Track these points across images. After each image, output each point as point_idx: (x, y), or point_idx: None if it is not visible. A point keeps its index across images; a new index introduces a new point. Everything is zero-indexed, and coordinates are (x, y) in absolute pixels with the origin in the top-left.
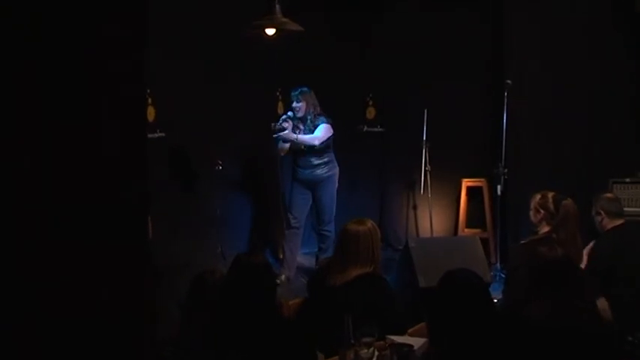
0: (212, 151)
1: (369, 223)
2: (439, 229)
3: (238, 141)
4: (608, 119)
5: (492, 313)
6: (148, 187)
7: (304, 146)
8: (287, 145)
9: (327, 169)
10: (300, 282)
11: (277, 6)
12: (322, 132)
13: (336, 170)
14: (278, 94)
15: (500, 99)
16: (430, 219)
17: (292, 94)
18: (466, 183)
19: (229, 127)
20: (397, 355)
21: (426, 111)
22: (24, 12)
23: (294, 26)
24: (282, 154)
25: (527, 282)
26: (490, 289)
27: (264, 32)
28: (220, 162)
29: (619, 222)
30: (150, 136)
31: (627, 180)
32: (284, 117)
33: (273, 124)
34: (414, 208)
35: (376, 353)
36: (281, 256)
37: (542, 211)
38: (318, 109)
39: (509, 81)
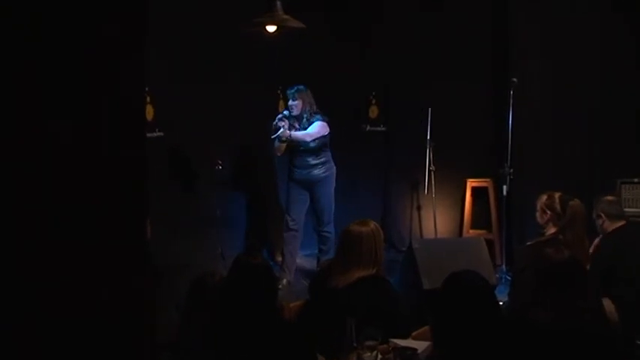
0: (212, 150)
1: (372, 224)
2: (443, 230)
3: (238, 140)
4: (616, 118)
5: (498, 316)
6: (147, 187)
7: (301, 146)
8: (283, 144)
9: (324, 169)
10: (302, 284)
11: (278, 3)
12: (315, 128)
13: (334, 170)
14: (278, 92)
15: (505, 97)
16: (434, 220)
17: (288, 92)
18: (471, 183)
19: (229, 127)
20: (401, 358)
21: (430, 110)
22: (24, 12)
23: (296, 23)
24: (279, 154)
25: (533, 284)
26: (495, 292)
27: (265, 29)
28: (220, 162)
29: (620, 224)
30: (149, 135)
31: (635, 180)
32: (280, 116)
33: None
34: (418, 208)
35: (379, 357)
36: (280, 259)
37: (548, 212)
38: (314, 107)
39: (514, 79)
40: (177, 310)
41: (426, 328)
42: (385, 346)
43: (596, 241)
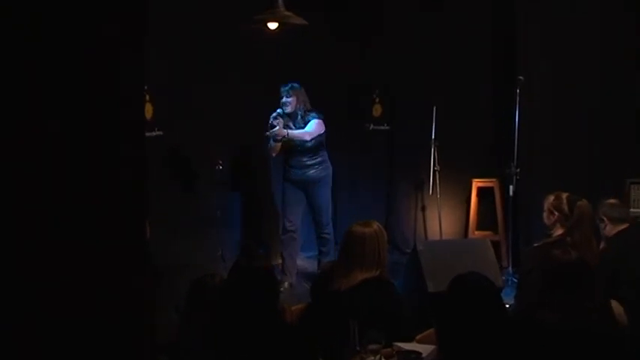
0: (212, 150)
1: (375, 225)
2: (448, 231)
3: (237, 140)
4: (625, 117)
5: (504, 318)
6: (146, 187)
7: (297, 145)
8: (278, 144)
9: (320, 170)
10: (303, 287)
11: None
12: (314, 127)
13: (330, 170)
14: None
15: (511, 96)
16: (439, 221)
17: (282, 89)
18: (477, 183)
19: (228, 126)
20: None
21: (434, 108)
22: (24, 12)
23: (298, 20)
24: (274, 154)
25: (540, 285)
26: (502, 294)
27: (266, 26)
28: (221, 162)
29: (623, 227)
30: (147, 134)
31: None
32: (274, 114)
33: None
34: (423, 209)
35: None
36: (279, 261)
37: (556, 213)
38: (308, 105)
39: (521, 77)
40: (177, 311)
41: (431, 331)
42: (389, 349)
43: (602, 246)
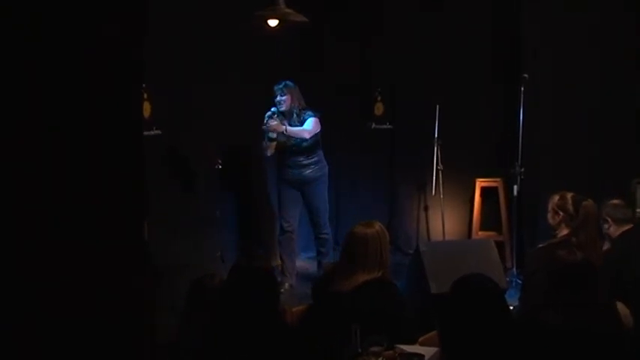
0: (211, 149)
1: (378, 226)
2: (452, 231)
3: (236, 139)
4: (630, 117)
5: (508, 320)
6: (145, 186)
7: (293, 145)
8: (273, 143)
9: (317, 169)
10: (304, 288)
11: None
12: (312, 125)
13: (326, 170)
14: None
15: (516, 94)
16: (442, 221)
17: (275, 87)
18: (480, 183)
19: (227, 125)
20: None
21: (437, 107)
22: (24, 12)
23: (298, 17)
24: (269, 154)
25: (545, 286)
26: (506, 296)
27: (267, 24)
28: (220, 161)
29: (626, 227)
30: (146, 133)
31: None
32: (269, 113)
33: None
34: (425, 209)
35: None
36: (278, 263)
37: (560, 213)
38: (303, 103)
39: (525, 75)
40: (173, 311)
41: (434, 333)
42: (391, 352)
43: (605, 247)
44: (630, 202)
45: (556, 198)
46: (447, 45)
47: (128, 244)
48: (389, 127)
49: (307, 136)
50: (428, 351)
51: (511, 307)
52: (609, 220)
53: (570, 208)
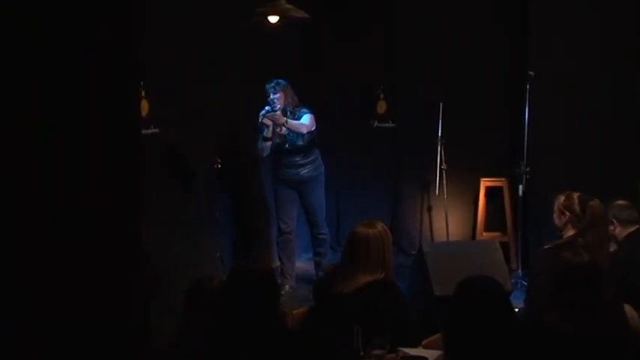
0: (210, 148)
1: (380, 226)
2: (456, 232)
3: (236, 139)
4: (638, 116)
5: (513, 323)
6: (142, 186)
7: (289, 144)
8: (268, 143)
9: (313, 169)
10: (304, 290)
11: None
12: (309, 120)
13: (323, 168)
14: None
15: (521, 92)
16: (446, 222)
17: (267, 86)
18: (485, 183)
19: (227, 124)
20: None
21: (441, 105)
22: (24, 12)
23: (299, 13)
24: (264, 154)
25: (550, 288)
26: (511, 298)
27: (267, 20)
28: (219, 160)
29: (632, 229)
30: (143, 132)
31: None
32: (263, 112)
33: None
34: (429, 209)
35: None
36: (278, 264)
37: (567, 214)
38: (296, 100)
39: (531, 73)
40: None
41: (437, 336)
42: (393, 355)
43: (612, 248)
44: (636, 203)
45: (562, 198)
46: (450, 42)
47: (125, 244)
48: (391, 125)
49: (305, 130)
50: (431, 354)
51: (516, 310)
52: (615, 221)
53: (577, 208)
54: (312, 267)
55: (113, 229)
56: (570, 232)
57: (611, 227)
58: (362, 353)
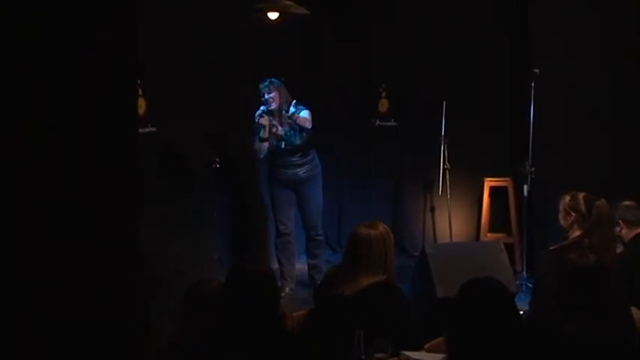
0: (208, 148)
1: (382, 227)
2: (459, 233)
3: (234, 139)
4: None
5: (518, 325)
6: (139, 185)
7: (287, 144)
8: (265, 144)
9: (311, 168)
10: (304, 292)
11: None
12: (309, 115)
13: (320, 169)
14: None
15: (526, 90)
16: (449, 222)
17: (261, 86)
18: (489, 182)
19: (226, 123)
20: None
21: (444, 103)
22: (24, 12)
23: (299, 9)
24: (261, 156)
25: (556, 289)
26: (516, 300)
27: (267, 17)
28: (217, 160)
29: (639, 230)
30: (140, 131)
31: None
32: (259, 112)
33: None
34: (432, 210)
35: None
36: (277, 266)
37: (572, 214)
38: (290, 99)
39: (536, 70)
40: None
41: (440, 339)
42: (396, 358)
43: (619, 249)
44: None
45: (567, 198)
46: (454, 39)
47: (123, 244)
48: (393, 124)
49: (309, 125)
50: (434, 357)
51: (521, 312)
52: (621, 222)
53: (582, 208)
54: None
55: (110, 229)
56: (576, 233)
57: (618, 228)
58: (363, 357)
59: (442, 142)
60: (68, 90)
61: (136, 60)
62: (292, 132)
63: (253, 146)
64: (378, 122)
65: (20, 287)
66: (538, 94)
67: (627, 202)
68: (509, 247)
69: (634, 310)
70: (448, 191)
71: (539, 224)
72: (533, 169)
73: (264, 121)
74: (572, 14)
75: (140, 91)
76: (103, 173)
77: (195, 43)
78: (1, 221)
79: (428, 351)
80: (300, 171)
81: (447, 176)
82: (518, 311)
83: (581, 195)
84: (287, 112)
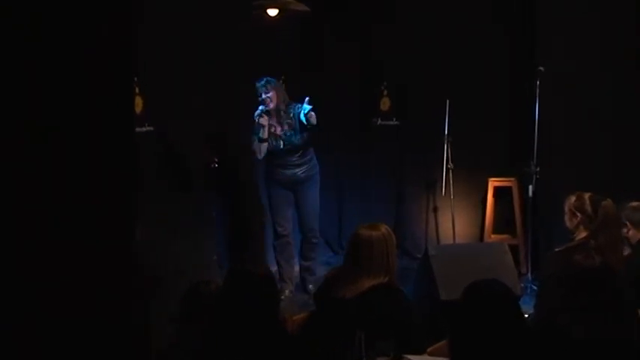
0: (207, 147)
1: (384, 228)
2: (462, 234)
3: (233, 138)
4: None
5: (523, 329)
6: (135, 185)
7: (285, 144)
8: (264, 144)
9: (309, 168)
10: (305, 295)
11: None
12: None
13: (318, 169)
14: (281, 81)
15: (531, 88)
16: (452, 223)
17: (258, 85)
18: (493, 183)
19: (225, 123)
20: None
21: (447, 101)
22: (24, 12)
23: (299, 6)
24: (260, 156)
25: (561, 290)
26: (520, 303)
27: (266, 13)
28: (216, 159)
29: None
30: (137, 130)
31: None
32: (258, 112)
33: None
34: (434, 211)
35: None
36: (276, 268)
37: (578, 215)
38: (287, 99)
39: (541, 68)
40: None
41: (443, 343)
42: None
43: (626, 251)
44: None
45: (573, 199)
46: (457, 34)
47: (119, 244)
48: (395, 123)
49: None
50: None
51: (526, 315)
52: (628, 223)
53: (588, 208)
54: (317, 270)
55: (106, 228)
56: (582, 234)
57: (625, 230)
58: None
59: (445, 142)
60: (67, 90)
61: (135, 60)
62: (292, 131)
63: (252, 147)
64: (379, 121)
65: (19, 286)
66: (543, 92)
67: (634, 203)
68: (513, 249)
69: None
70: (451, 191)
71: (544, 225)
72: (538, 169)
73: (264, 121)
74: (573, 14)
75: (137, 90)
76: (100, 171)
77: (195, 43)
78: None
79: (431, 355)
80: (299, 171)
81: (450, 176)
82: (522, 314)
83: (587, 195)
84: (285, 112)
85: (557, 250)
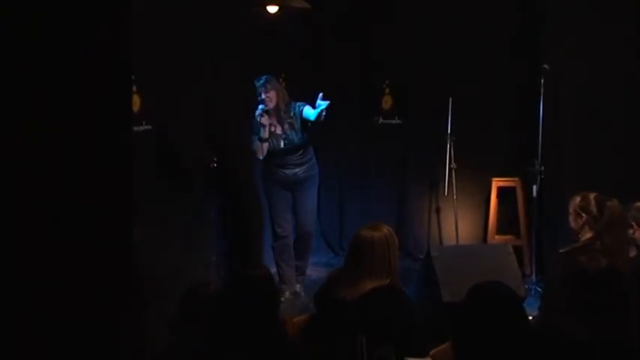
0: (206, 147)
1: (385, 229)
2: (465, 235)
3: (233, 138)
4: None
5: (527, 331)
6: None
7: (285, 143)
8: (265, 144)
9: (309, 168)
10: (304, 297)
11: None
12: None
13: (317, 169)
14: (281, 79)
15: (535, 86)
16: (455, 224)
17: (257, 84)
18: (497, 183)
19: (225, 122)
20: None
21: (450, 100)
22: (24, 12)
23: (299, 3)
24: (261, 156)
25: (566, 292)
26: (524, 305)
27: (266, 10)
28: (215, 159)
29: None
30: (135, 129)
31: None
32: (258, 112)
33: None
34: (437, 211)
35: None
36: (275, 270)
37: (583, 215)
38: (287, 98)
39: (546, 66)
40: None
41: (447, 345)
42: None
43: (632, 253)
44: None
45: (577, 199)
46: (460, 32)
47: (116, 245)
48: (397, 121)
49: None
50: None
51: (530, 317)
52: (634, 224)
53: (593, 209)
54: (314, 272)
55: (102, 229)
56: (587, 235)
57: (631, 231)
58: None
59: (448, 141)
60: (67, 89)
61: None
62: (293, 131)
63: (252, 147)
64: (381, 120)
65: (16, 286)
66: (548, 90)
67: (639, 204)
68: (517, 250)
69: None
70: (454, 192)
71: (549, 226)
72: (542, 168)
73: (265, 120)
74: (577, 12)
75: (134, 88)
76: (97, 169)
77: (194, 42)
78: None
79: (433, 357)
80: (299, 171)
81: (453, 176)
82: (526, 316)
83: (592, 195)
84: (285, 111)
85: (561, 251)
